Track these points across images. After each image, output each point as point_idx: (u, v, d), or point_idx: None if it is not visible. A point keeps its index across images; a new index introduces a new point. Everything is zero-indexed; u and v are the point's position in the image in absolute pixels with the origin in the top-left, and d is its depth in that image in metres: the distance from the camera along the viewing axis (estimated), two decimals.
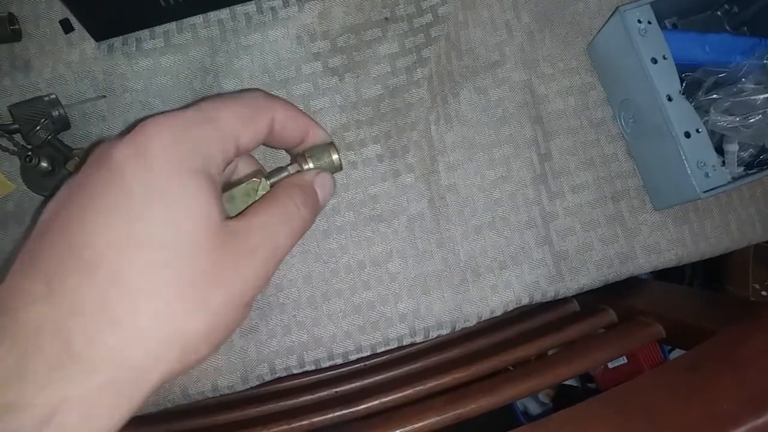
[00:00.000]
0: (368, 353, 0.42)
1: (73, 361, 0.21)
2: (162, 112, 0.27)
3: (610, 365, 1.07)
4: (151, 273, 0.23)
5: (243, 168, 0.34)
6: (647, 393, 0.31)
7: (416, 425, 0.40)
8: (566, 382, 1.13)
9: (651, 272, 1.04)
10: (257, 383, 0.41)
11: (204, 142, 0.26)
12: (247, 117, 0.29)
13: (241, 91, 0.40)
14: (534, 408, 1.12)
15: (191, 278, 0.24)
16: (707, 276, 1.08)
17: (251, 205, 0.30)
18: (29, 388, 0.20)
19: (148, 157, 0.25)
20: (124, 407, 0.23)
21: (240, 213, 0.29)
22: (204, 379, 0.41)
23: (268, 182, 0.32)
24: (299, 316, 0.41)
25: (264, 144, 0.33)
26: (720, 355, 0.32)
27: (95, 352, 0.22)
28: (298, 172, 0.33)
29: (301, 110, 0.33)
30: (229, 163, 0.29)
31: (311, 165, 0.34)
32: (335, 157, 0.34)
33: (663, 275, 1.06)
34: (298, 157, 0.34)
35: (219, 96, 0.31)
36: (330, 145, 0.34)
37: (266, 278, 0.27)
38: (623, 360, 1.07)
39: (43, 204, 0.41)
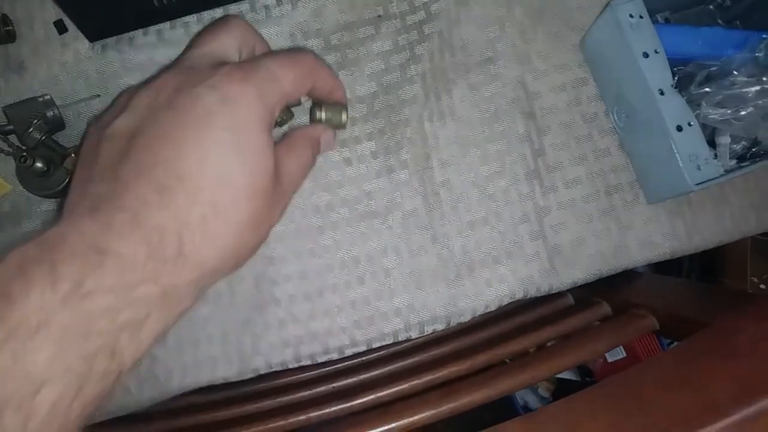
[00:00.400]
0: (364, 348, 0.42)
1: (182, 260, 0.27)
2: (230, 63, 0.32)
3: (609, 359, 1.08)
4: (235, 206, 0.29)
5: None
6: (639, 384, 0.31)
7: (411, 419, 0.40)
8: (566, 377, 1.13)
9: (648, 266, 1.05)
10: (252, 375, 0.41)
11: (273, 100, 0.31)
12: (302, 78, 0.34)
13: (295, 48, 0.44)
14: (534, 402, 1.13)
15: (256, 214, 0.30)
16: (705, 270, 1.08)
17: (279, 148, 0.34)
18: (153, 271, 0.26)
19: (236, 107, 0.29)
20: (198, 295, 0.29)
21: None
22: (201, 368, 0.41)
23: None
24: (295, 310, 0.42)
25: None
26: (712, 345, 0.33)
27: (196, 257, 0.27)
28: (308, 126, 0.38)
29: (334, 73, 0.38)
30: None
31: (324, 117, 0.39)
32: (345, 119, 0.39)
33: (660, 269, 1.06)
34: (315, 106, 0.39)
35: (279, 54, 0.34)
36: (344, 108, 0.39)
37: (286, 210, 0.34)
38: (622, 354, 1.07)
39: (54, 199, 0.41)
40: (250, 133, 0.29)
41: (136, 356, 0.26)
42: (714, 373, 0.29)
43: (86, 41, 0.43)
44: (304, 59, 0.35)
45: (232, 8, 0.43)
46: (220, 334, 0.41)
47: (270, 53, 0.37)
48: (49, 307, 0.22)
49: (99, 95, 0.42)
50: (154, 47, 0.43)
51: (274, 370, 0.42)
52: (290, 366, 0.42)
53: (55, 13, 0.43)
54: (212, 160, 0.28)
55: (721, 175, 0.39)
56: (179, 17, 0.43)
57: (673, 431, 0.27)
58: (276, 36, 0.43)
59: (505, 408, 1.04)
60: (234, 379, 0.42)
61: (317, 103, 0.39)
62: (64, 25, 0.43)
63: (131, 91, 0.32)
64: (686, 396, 0.29)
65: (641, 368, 0.33)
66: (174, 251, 0.27)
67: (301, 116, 0.43)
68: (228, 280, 0.42)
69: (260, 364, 0.41)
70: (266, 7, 0.43)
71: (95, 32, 0.43)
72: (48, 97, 0.40)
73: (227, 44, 0.33)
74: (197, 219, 0.27)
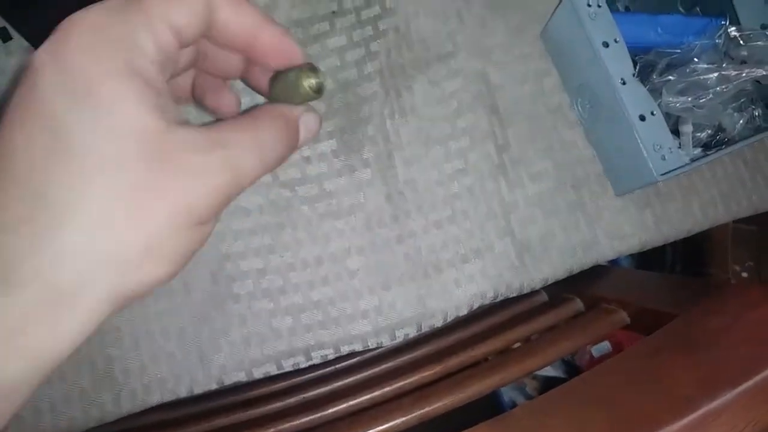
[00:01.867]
0: (330, 350, 0.41)
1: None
2: None
3: (596, 354, 1.07)
4: (78, 185, 0.21)
5: None
6: (606, 382, 0.30)
7: (383, 426, 0.39)
8: (553, 374, 1.13)
9: (632, 261, 1.05)
10: (216, 386, 0.40)
11: (129, 32, 0.22)
12: None
13: None
14: (522, 401, 1.12)
15: (123, 190, 0.21)
16: (689, 261, 1.08)
17: (228, 119, 0.25)
18: None
19: (65, 59, 0.21)
20: (56, 331, 0.21)
21: (210, 124, 0.24)
22: (158, 363, 0.40)
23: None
24: (254, 307, 0.41)
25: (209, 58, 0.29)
26: (679, 337, 0.32)
27: (21, 272, 0.20)
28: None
29: (263, 13, 0.27)
30: (171, 56, 0.24)
31: (277, 91, 0.28)
32: (310, 83, 0.26)
33: (644, 263, 1.06)
34: (270, 81, 0.28)
35: None
36: (303, 71, 0.26)
37: (222, 202, 0.24)
38: (608, 349, 1.07)
39: None
40: (89, 81, 0.21)
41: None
42: (677, 367, 0.29)
43: (33, 48, 0.41)
44: None
45: None
46: (175, 329, 0.40)
47: None
48: None
49: None
50: None
51: (238, 379, 0.40)
52: (254, 372, 0.40)
53: None
54: (37, 130, 0.21)
55: (686, 164, 0.38)
56: None
57: (639, 426, 0.26)
58: None
59: (492, 407, 1.03)
60: (198, 390, 0.40)
61: (272, 78, 0.28)
62: (8, 32, 0.42)
63: None
64: (651, 392, 0.28)
65: (608, 365, 0.32)
66: None
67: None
68: (181, 274, 0.40)
69: (221, 362, 0.40)
70: None
71: (41, 40, 0.41)
72: None
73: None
74: (20, 219, 0.20)
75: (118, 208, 0.21)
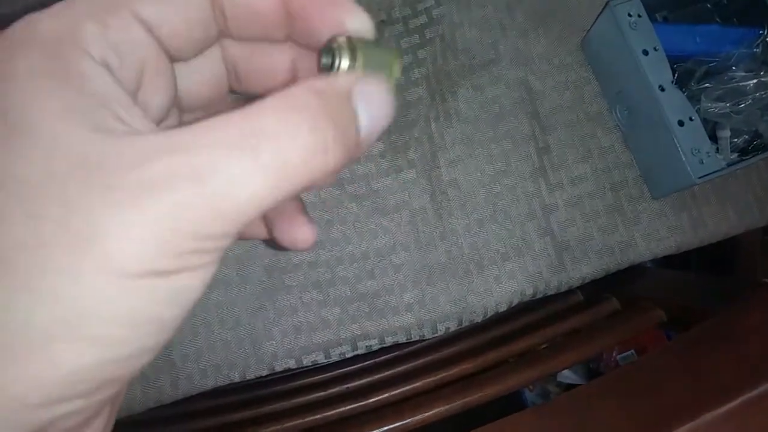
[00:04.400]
0: (375, 341, 0.43)
1: None
2: None
3: (620, 360, 1.07)
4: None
5: None
6: (648, 372, 0.32)
7: (425, 414, 0.41)
8: (575, 382, 1.13)
9: (657, 265, 1.05)
10: (267, 371, 0.42)
11: (70, 29, 0.15)
12: None
13: None
14: None
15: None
16: (715, 269, 1.08)
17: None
18: None
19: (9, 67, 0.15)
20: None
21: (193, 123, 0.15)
22: (214, 351, 0.42)
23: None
24: (305, 297, 0.43)
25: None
26: (717, 332, 0.33)
27: None
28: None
29: None
30: (139, 51, 0.17)
31: (358, 64, 0.18)
32: (396, 66, 0.20)
33: (669, 268, 1.06)
34: (324, 50, 0.18)
35: None
36: (392, 50, 0.21)
37: (188, 240, 0.14)
38: (634, 356, 1.07)
39: None
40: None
41: None
42: (718, 359, 0.30)
43: None
44: None
45: None
46: (231, 318, 0.42)
47: None
48: None
49: None
50: None
51: (288, 364, 0.43)
52: (303, 359, 0.43)
53: None
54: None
55: (723, 168, 0.40)
56: None
57: (679, 415, 0.27)
58: None
59: (517, 408, 1.04)
60: (250, 375, 0.43)
61: (328, 47, 0.18)
62: None
63: None
64: (691, 381, 0.29)
65: (647, 358, 0.33)
66: None
67: None
68: (238, 266, 0.43)
69: (272, 350, 0.42)
70: None
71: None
72: None
73: None
74: None
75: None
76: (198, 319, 0.43)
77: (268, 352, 0.43)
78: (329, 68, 0.18)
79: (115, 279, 0.14)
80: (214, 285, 0.43)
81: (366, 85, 0.17)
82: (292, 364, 0.43)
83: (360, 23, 0.18)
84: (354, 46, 0.18)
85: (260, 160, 0.14)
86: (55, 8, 0.16)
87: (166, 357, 0.42)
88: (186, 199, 0.14)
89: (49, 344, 0.14)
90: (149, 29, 0.17)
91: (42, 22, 0.15)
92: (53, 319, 0.13)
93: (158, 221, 0.14)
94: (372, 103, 0.17)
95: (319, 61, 0.18)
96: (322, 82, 0.16)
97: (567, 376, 1.13)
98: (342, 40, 0.18)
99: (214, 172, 0.14)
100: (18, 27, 0.16)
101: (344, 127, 0.16)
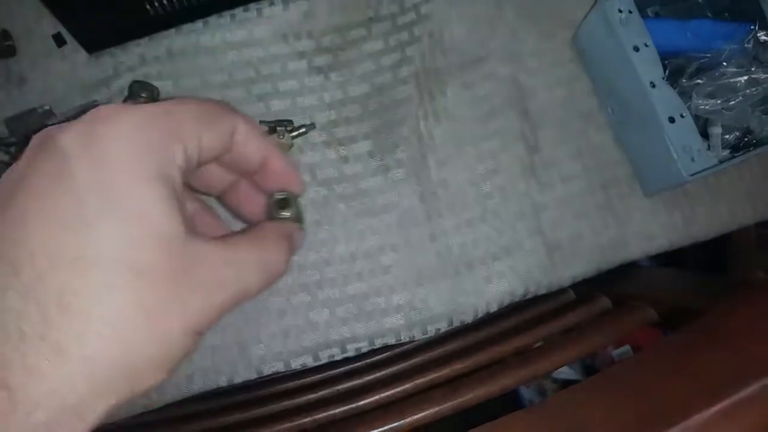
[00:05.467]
0: (365, 343, 0.42)
1: (10, 398, 0.18)
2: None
3: (616, 357, 1.07)
4: (101, 296, 0.20)
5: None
6: (637, 372, 0.31)
7: (416, 416, 0.40)
8: (574, 378, 1.13)
9: (651, 264, 1.05)
10: (255, 375, 0.42)
11: (164, 139, 0.23)
12: (210, 115, 0.26)
13: None
14: None
15: (146, 303, 0.21)
16: (709, 265, 1.08)
17: (235, 234, 0.28)
18: None
19: (102, 153, 0.21)
20: None
21: (220, 239, 0.25)
22: (201, 355, 0.42)
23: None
24: (293, 300, 0.42)
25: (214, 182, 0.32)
26: (708, 331, 0.33)
27: (36, 387, 0.19)
28: (279, 219, 0.31)
29: (263, 133, 0.31)
30: (191, 171, 0.25)
31: (286, 214, 0.31)
32: (302, 209, 0.33)
33: (663, 266, 1.06)
34: (277, 201, 0.32)
35: (179, 98, 0.27)
36: (297, 198, 0.33)
37: (224, 314, 0.24)
38: (629, 352, 1.07)
39: None
40: (125, 187, 0.21)
41: None
42: (708, 360, 0.30)
43: (85, 52, 0.44)
44: (213, 100, 0.28)
45: (225, 11, 0.44)
46: (218, 323, 0.42)
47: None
48: None
49: (96, 101, 0.43)
50: (144, 47, 0.44)
51: (276, 368, 0.42)
52: (292, 363, 0.42)
53: (53, 26, 0.44)
54: (65, 234, 0.20)
55: (715, 165, 0.39)
56: (175, 26, 0.44)
57: (671, 416, 0.27)
58: (268, 36, 0.44)
59: (512, 407, 1.03)
60: (237, 380, 0.42)
61: (283, 198, 0.32)
62: (63, 38, 0.44)
63: None
64: (683, 381, 0.29)
65: (639, 358, 0.33)
66: None
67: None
68: None
69: (261, 353, 0.42)
70: (258, 8, 0.44)
71: (94, 44, 0.44)
72: (47, 107, 0.41)
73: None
74: (35, 328, 0.19)
75: (139, 321, 0.21)
76: None
77: (256, 356, 0.42)
78: (277, 210, 0.31)
79: (191, 334, 0.23)
80: None
81: (299, 234, 0.31)
82: (280, 367, 0.42)
83: (300, 190, 0.32)
84: (294, 202, 0.32)
85: (267, 276, 0.27)
86: (147, 115, 0.23)
87: None
88: (235, 297, 0.25)
89: None
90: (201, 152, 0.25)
91: (139, 124, 0.23)
92: None
93: (221, 306, 0.24)
94: (298, 242, 0.31)
95: (269, 202, 0.32)
96: (287, 229, 0.30)
97: (562, 371, 1.13)
98: (286, 195, 0.32)
99: (249, 283, 0.26)
100: (114, 122, 0.22)
101: (290, 255, 0.29)
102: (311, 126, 0.41)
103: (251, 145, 0.28)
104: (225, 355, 0.42)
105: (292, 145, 0.42)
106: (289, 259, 0.29)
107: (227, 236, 0.26)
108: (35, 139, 0.22)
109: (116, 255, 0.20)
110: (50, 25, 0.44)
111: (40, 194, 0.21)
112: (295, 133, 0.41)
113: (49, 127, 0.22)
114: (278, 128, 0.41)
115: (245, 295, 0.25)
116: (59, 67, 0.44)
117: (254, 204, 0.32)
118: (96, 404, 0.20)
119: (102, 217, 0.20)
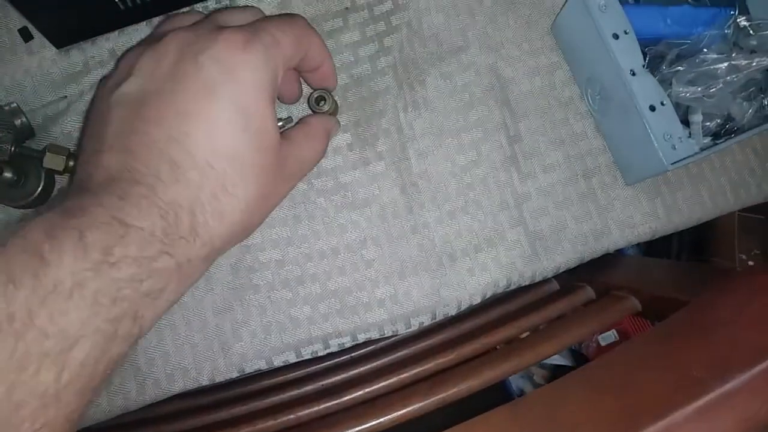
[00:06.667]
0: (348, 338, 0.42)
1: (195, 236, 0.28)
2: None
3: (603, 343, 1.08)
4: (243, 184, 0.30)
5: None
6: (618, 367, 0.31)
7: (400, 412, 0.40)
8: (560, 363, 1.14)
9: (638, 250, 1.05)
10: (237, 374, 0.41)
11: (277, 66, 0.31)
12: (299, 41, 0.33)
13: (287, 14, 0.42)
14: (529, 389, 1.13)
15: (263, 191, 0.31)
16: (694, 250, 1.08)
17: (290, 131, 0.36)
18: (170, 245, 0.27)
19: (241, 78, 0.29)
20: (207, 268, 0.31)
21: (283, 135, 0.33)
22: (182, 353, 0.41)
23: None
24: (274, 297, 0.42)
25: None
26: (690, 322, 0.33)
27: (207, 234, 0.29)
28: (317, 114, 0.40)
29: (324, 43, 0.38)
30: None
31: (325, 107, 0.40)
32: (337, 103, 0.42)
33: (650, 252, 1.07)
34: (319, 97, 0.40)
35: (275, 17, 0.35)
36: (331, 93, 0.41)
37: (292, 189, 0.36)
38: (615, 337, 1.08)
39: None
40: (256, 107, 0.29)
41: (153, 321, 0.28)
42: (691, 350, 0.29)
43: (53, 47, 0.42)
44: (299, 20, 0.35)
45: (198, 5, 0.43)
46: (198, 320, 0.41)
47: (266, 17, 0.36)
48: (82, 272, 0.24)
49: (65, 96, 0.42)
50: (114, 41, 0.43)
51: (258, 366, 0.42)
52: (274, 361, 0.41)
53: (19, 20, 0.43)
54: (221, 136, 0.29)
55: (696, 153, 0.39)
56: (146, 19, 0.43)
57: (653, 410, 0.27)
58: None
59: (502, 396, 1.04)
60: (219, 378, 0.41)
61: (321, 95, 0.40)
62: (30, 32, 0.43)
63: (135, 53, 0.32)
64: (665, 375, 0.29)
65: (621, 350, 0.33)
66: (188, 228, 0.28)
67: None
68: None
69: (242, 350, 0.41)
70: (231, 1, 0.43)
71: (62, 39, 0.42)
72: (14, 105, 0.40)
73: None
74: (208, 196, 0.28)
75: (257, 203, 0.31)
76: (163, 321, 0.41)
77: (237, 353, 0.41)
78: (318, 105, 0.40)
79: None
80: None
81: (335, 126, 0.40)
82: (262, 365, 0.42)
83: (336, 85, 0.41)
84: (330, 97, 0.40)
85: (314, 161, 0.38)
86: (261, 44, 0.31)
87: (131, 362, 0.41)
88: (301, 174, 0.37)
89: None
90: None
91: (258, 54, 0.30)
92: None
93: (292, 186, 0.37)
94: (334, 132, 0.40)
95: (310, 97, 0.40)
96: (327, 123, 0.39)
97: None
98: (323, 92, 0.40)
99: (306, 171, 0.38)
100: (240, 49, 0.30)
101: (328, 141, 0.39)
102: (288, 120, 0.40)
103: (319, 55, 0.36)
104: (206, 353, 0.41)
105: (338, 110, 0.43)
106: (327, 145, 0.39)
107: (288, 133, 0.35)
108: (173, 46, 0.30)
109: (251, 156, 0.30)
110: (16, 19, 0.43)
111: (193, 100, 0.29)
112: (334, 99, 0.41)
113: (180, 35, 0.31)
114: (315, 97, 0.41)
115: (302, 177, 0.37)
116: (27, 62, 0.42)
117: (294, 92, 0.41)
118: (226, 247, 0.31)
119: (243, 132, 0.29)
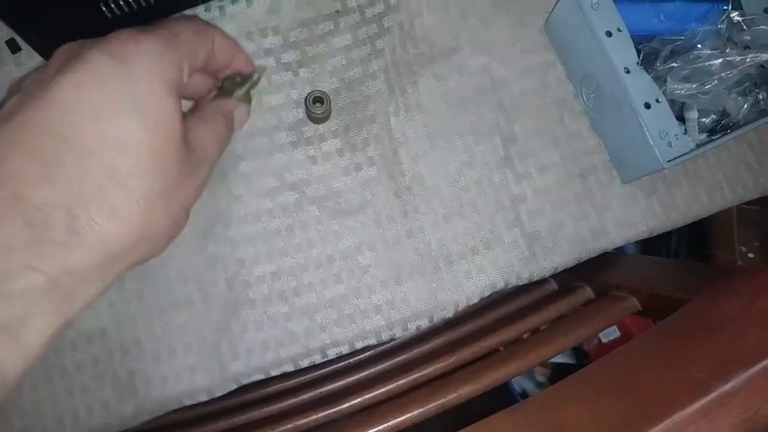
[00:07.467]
0: (346, 347, 0.41)
1: (77, 239, 0.24)
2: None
3: (604, 339, 1.08)
4: (138, 173, 0.26)
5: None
6: (619, 368, 0.31)
7: (399, 419, 0.39)
8: (562, 361, 1.13)
9: (636, 245, 1.05)
10: (235, 386, 0.40)
11: (176, 58, 0.28)
12: (199, 34, 0.31)
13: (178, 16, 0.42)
14: (532, 389, 1.13)
15: (165, 184, 0.27)
16: (693, 244, 1.08)
17: (188, 118, 0.32)
18: (37, 256, 0.23)
19: (134, 67, 0.26)
20: (108, 282, 0.27)
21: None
22: (180, 378, 0.40)
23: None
24: (270, 311, 0.41)
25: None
26: (692, 322, 0.32)
27: (95, 235, 0.24)
28: (219, 98, 0.37)
29: (229, 37, 0.36)
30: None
31: (321, 110, 0.40)
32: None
33: (649, 247, 1.06)
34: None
35: (171, 18, 0.35)
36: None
37: (203, 188, 0.32)
38: (616, 334, 1.07)
39: None
40: (152, 94, 0.26)
41: (23, 364, 0.23)
42: (693, 350, 0.29)
43: (41, 58, 0.42)
44: (195, 18, 0.35)
45: (187, 12, 0.42)
46: (197, 342, 0.41)
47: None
48: None
49: None
50: None
51: (256, 378, 0.41)
52: (272, 372, 0.41)
53: (7, 31, 0.42)
54: (107, 123, 0.25)
55: (692, 150, 0.39)
56: (134, 27, 0.42)
57: (654, 411, 0.27)
58: (232, 35, 0.42)
59: (503, 396, 1.04)
60: (218, 393, 0.41)
61: (319, 96, 0.40)
62: (17, 44, 0.42)
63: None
64: (666, 375, 0.28)
65: (623, 350, 0.32)
66: (63, 230, 0.23)
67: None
68: (199, 284, 0.41)
69: (240, 369, 0.40)
70: (220, 6, 0.42)
71: (50, 50, 0.42)
72: None
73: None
74: (93, 190, 0.24)
75: (159, 198, 0.27)
76: (161, 344, 0.41)
77: (235, 372, 0.41)
78: (314, 106, 0.41)
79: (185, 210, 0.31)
80: (175, 307, 0.41)
81: (239, 109, 0.37)
82: (260, 376, 0.41)
83: (251, 69, 0.39)
84: (329, 100, 0.41)
85: (220, 147, 0.34)
86: (160, 39, 0.29)
87: (127, 384, 0.40)
88: (206, 175, 0.32)
89: None
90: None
91: (156, 47, 0.28)
92: None
93: (201, 186, 0.33)
94: (240, 118, 0.37)
95: (308, 100, 0.41)
96: (225, 107, 0.35)
97: None
98: (324, 94, 0.41)
99: (214, 158, 0.33)
100: (133, 42, 0.28)
101: (231, 128, 0.35)
102: (263, 68, 0.39)
103: (227, 48, 0.35)
104: (204, 373, 0.41)
105: (251, 99, 0.39)
106: (230, 129, 0.35)
107: (190, 125, 0.31)
108: (58, 55, 0.29)
109: (148, 147, 0.26)
110: (3, 30, 0.42)
111: (81, 92, 0.25)
112: (246, 85, 0.38)
113: (69, 44, 0.29)
114: (224, 84, 0.38)
115: (212, 166, 0.32)
116: (15, 74, 0.42)
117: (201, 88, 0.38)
118: (127, 258, 0.27)
119: (136, 116, 0.26)
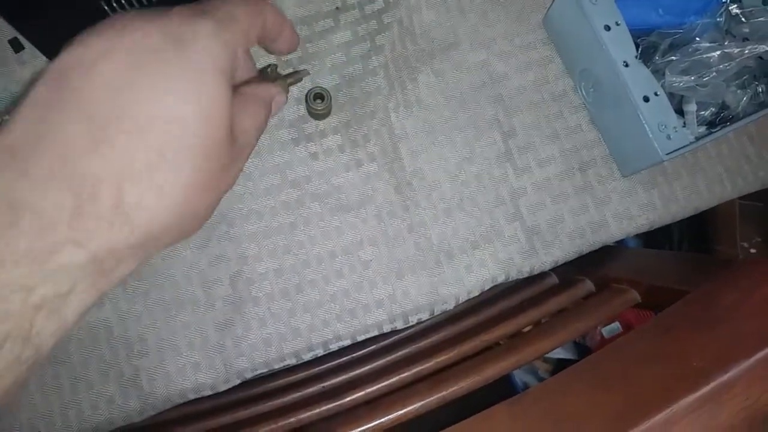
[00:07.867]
0: (348, 341, 0.42)
1: (123, 218, 0.23)
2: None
3: (606, 334, 1.08)
4: (187, 155, 0.24)
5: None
6: (619, 360, 0.31)
7: (401, 411, 0.40)
8: (564, 356, 1.13)
9: (638, 240, 1.05)
10: (238, 381, 0.41)
11: (233, 41, 0.27)
12: (253, 14, 0.30)
13: None
14: (534, 383, 1.13)
15: (210, 169, 0.26)
16: (696, 239, 1.08)
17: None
18: (82, 232, 0.22)
19: (191, 48, 0.25)
20: (141, 261, 0.25)
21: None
22: (184, 374, 0.41)
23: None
24: (273, 308, 0.41)
25: None
26: (692, 313, 0.32)
27: (141, 215, 0.23)
28: (262, 83, 0.35)
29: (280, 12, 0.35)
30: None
31: (322, 106, 0.40)
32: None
33: (651, 241, 1.06)
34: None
35: None
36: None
37: (238, 176, 0.30)
38: (619, 329, 1.07)
39: None
40: (207, 77, 0.25)
41: (57, 336, 0.22)
42: (690, 342, 0.29)
43: (43, 57, 0.42)
44: None
45: None
46: (200, 339, 0.41)
47: None
48: None
49: None
50: None
51: (259, 373, 0.41)
52: (275, 366, 0.41)
53: (10, 31, 0.42)
54: (162, 100, 0.24)
55: (691, 143, 0.39)
56: None
57: (652, 403, 0.27)
58: None
59: (506, 390, 1.04)
60: (222, 388, 0.41)
61: (320, 93, 0.40)
62: (20, 43, 0.43)
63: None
64: (664, 367, 0.29)
65: (621, 343, 0.33)
66: (110, 205, 0.22)
67: None
68: (203, 283, 0.41)
69: (244, 365, 0.41)
70: None
71: (52, 48, 0.42)
72: (7, 117, 0.40)
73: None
74: (142, 166, 0.23)
75: (202, 186, 0.26)
76: (165, 341, 0.41)
77: (239, 367, 0.41)
78: (315, 102, 0.41)
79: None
80: (180, 305, 0.41)
81: (279, 96, 0.33)
82: (263, 370, 0.42)
83: (296, 47, 0.35)
84: (330, 96, 0.41)
85: (258, 134, 0.31)
86: (219, 23, 0.27)
87: (132, 380, 0.41)
88: (245, 159, 0.30)
89: None
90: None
91: (216, 31, 0.26)
92: None
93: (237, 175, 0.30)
94: (279, 104, 0.33)
95: (309, 96, 0.41)
96: (266, 93, 0.32)
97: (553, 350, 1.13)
98: (325, 90, 0.41)
99: (254, 145, 0.31)
100: (200, 27, 0.26)
101: (270, 114, 0.32)
102: (305, 72, 0.38)
103: (278, 22, 0.32)
104: (208, 370, 0.41)
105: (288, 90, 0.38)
106: (268, 115, 0.33)
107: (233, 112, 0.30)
108: (105, 30, 0.26)
109: (198, 127, 0.25)
110: (6, 30, 0.42)
111: (135, 74, 0.24)
112: (291, 79, 0.38)
113: (132, 20, 0.26)
114: (269, 69, 0.37)
115: (250, 154, 0.31)
116: (18, 73, 0.42)
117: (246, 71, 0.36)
118: (162, 240, 0.25)
119: (191, 98, 0.24)
